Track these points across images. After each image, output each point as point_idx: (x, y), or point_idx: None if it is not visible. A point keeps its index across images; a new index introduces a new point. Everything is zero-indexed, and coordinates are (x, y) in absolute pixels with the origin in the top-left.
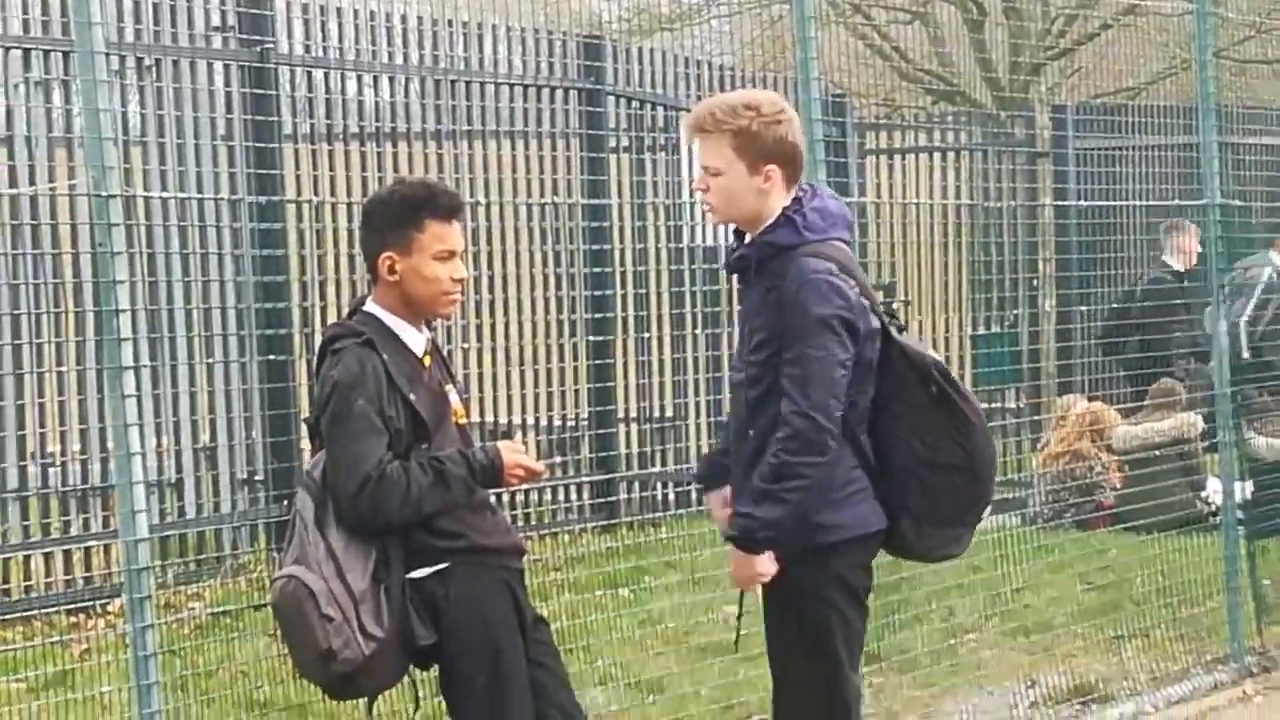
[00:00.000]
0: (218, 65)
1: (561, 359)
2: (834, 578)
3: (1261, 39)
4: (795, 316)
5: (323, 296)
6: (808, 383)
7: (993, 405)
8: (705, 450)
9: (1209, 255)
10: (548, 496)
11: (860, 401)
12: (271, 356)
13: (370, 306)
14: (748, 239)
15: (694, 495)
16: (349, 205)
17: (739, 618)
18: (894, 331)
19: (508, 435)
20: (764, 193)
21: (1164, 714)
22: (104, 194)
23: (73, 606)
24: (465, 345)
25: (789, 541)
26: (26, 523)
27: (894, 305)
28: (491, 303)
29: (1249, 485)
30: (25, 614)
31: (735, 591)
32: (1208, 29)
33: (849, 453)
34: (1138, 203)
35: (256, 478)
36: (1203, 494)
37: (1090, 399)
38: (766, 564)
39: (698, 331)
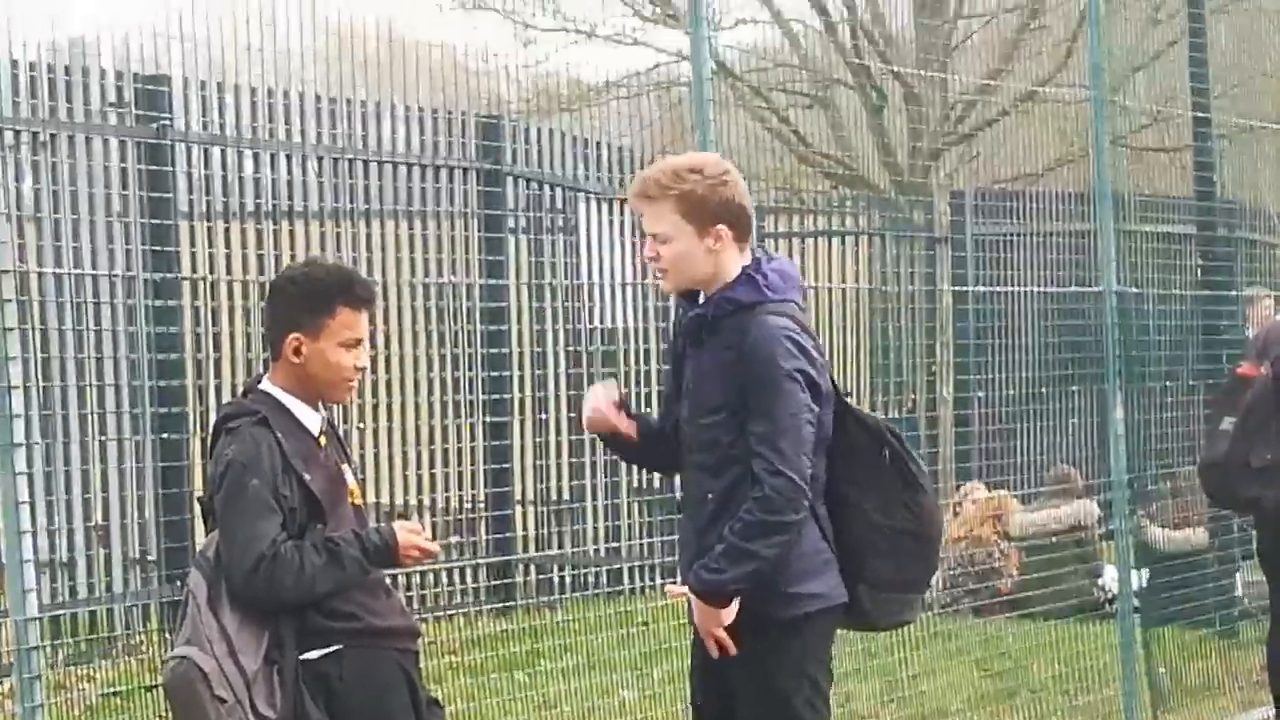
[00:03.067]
0: (113, 141)
1: (459, 439)
2: (809, 651)
3: (1159, 127)
4: (761, 372)
5: (217, 374)
6: (779, 439)
7: None
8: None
9: (1106, 342)
10: (444, 579)
11: (818, 473)
12: (165, 435)
13: (266, 385)
14: (701, 299)
15: (591, 579)
16: (244, 283)
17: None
18: (842, 396)
19: (404, 516)
20: (715, 254)
21: None
22: None
23: None
24: (361, 425)
25: (760, 615)
26: None
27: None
28: (388, 382)
29: (1145, 573)
30: None
31: (630, 675)
32: (1104, 116)
33: (812, 523)
34: (1036, 288)
35: (149, 557)
36: (1099, 581)
37: (989, 486)
38: (730, 614)
39: None
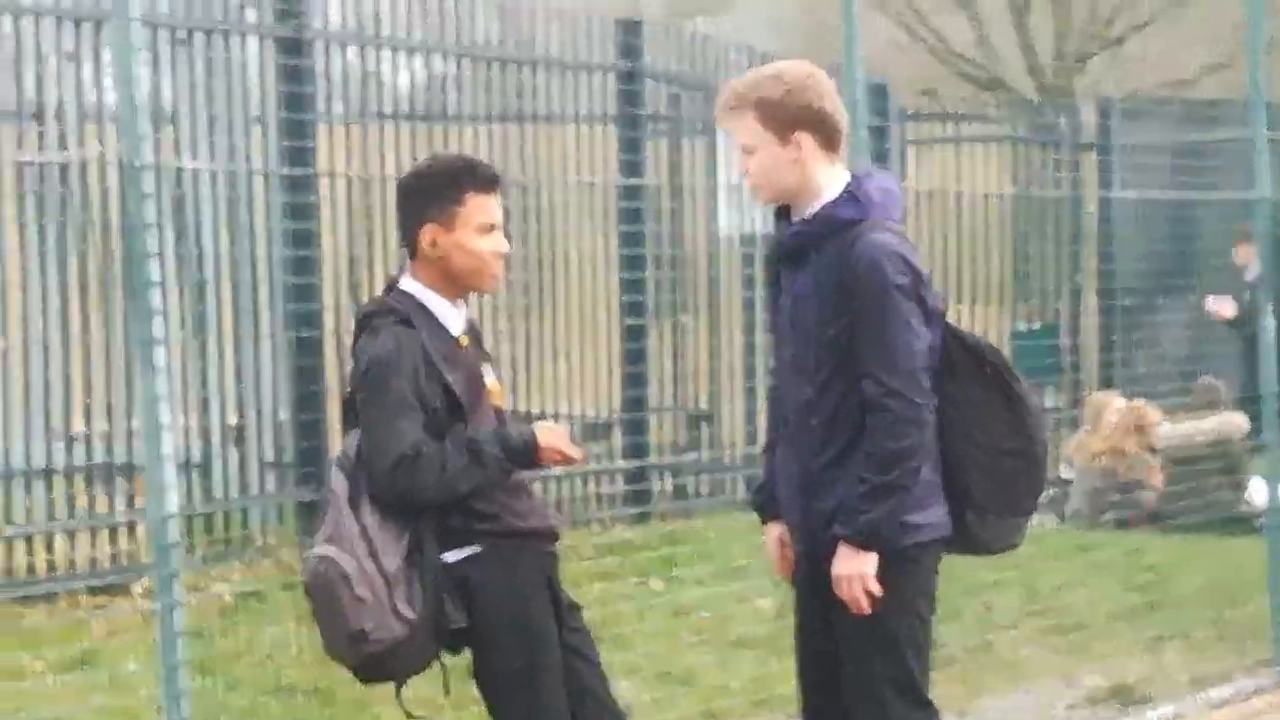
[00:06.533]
0: (251, 39)
1: (595, 343)
2: (920, 583)
3: None
4: (869, 288)
5: (353, 273)
6: (893, 358)
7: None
8: (755, 462)
9: (1261, 251)
10: (579, 484)
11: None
12: (301, 333)
13: (406, 284)
14: (797, 217)
15: (727, 486)
16: (382, 180)
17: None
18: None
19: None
20: (799, 163)
21: (1204, 717)
22: (136, 164)
23: (97, 584)
24: (499, 328)
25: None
26: (51, 496)
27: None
28: (525, 285)
29: None
30: (49, 592)
31: (771, 583)
32: (1260, 18)
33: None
34: (1184, 195)
35: (283, 458)
36: (1246, 495)
37: (1126, 396)
38: (874, 563)
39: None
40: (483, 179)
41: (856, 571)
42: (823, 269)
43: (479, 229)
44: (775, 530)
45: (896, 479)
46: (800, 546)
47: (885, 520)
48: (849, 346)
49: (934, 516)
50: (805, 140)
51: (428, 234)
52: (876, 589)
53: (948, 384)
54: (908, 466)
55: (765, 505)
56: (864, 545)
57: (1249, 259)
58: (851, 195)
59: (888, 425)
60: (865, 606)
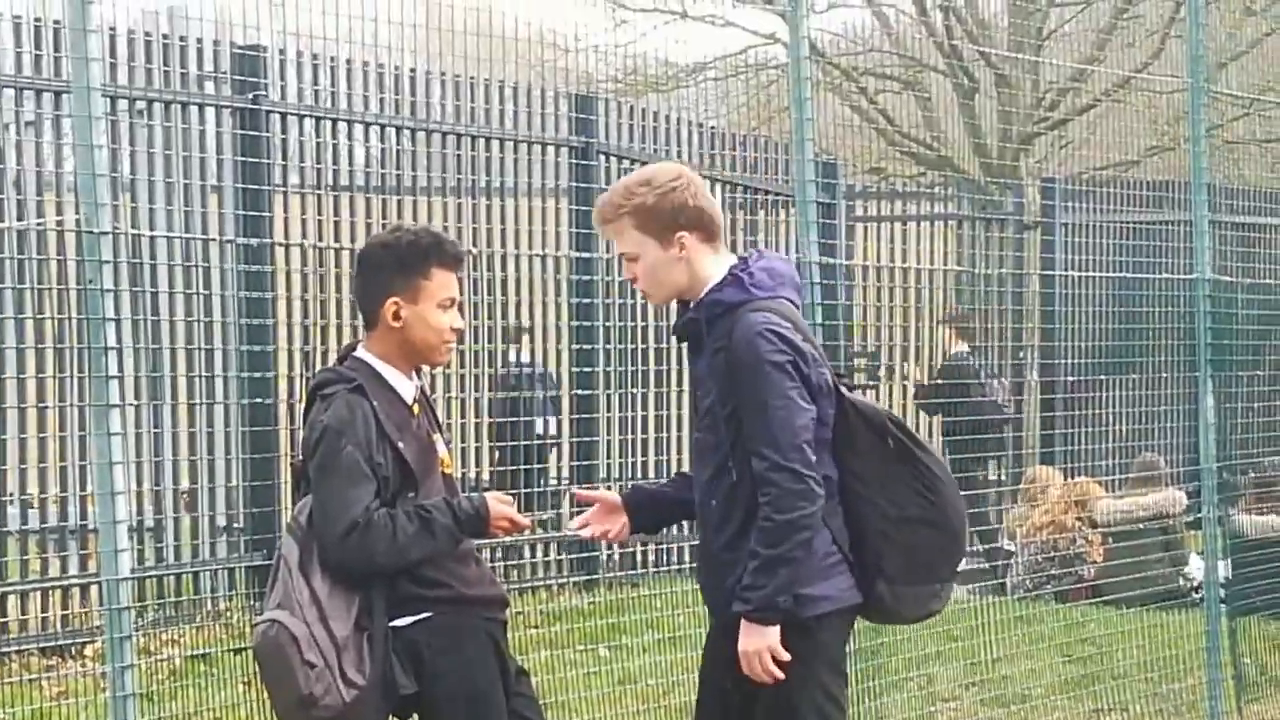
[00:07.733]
0: (210, 110)
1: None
2: (821, 654)
3: (1249, 118)
4: (746, 368)
5: (307, 341)
6: (775, 433)
7: (969, 474)
8: None
9: (1198, 330)
10: (527, 551)
11: (828, 472)
12: (255, 399)
13: (361, 353)
14: (694, 303)
15: (674, 555)
16: (337, 250)
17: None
18: (844, 389)
19: (489, 489)
20: (684, 261)
21: None
22: (95, 230)
23: (48, 647)
24: (449, 395)
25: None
26: (4, 559)
27: (878, 370)
28: (476, 354)
29: (1229, 562)
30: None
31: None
32: (1201, 105)
33: (821, 525)
34: (1127, 275)
35: (235, 524)
36: (1184, 570)
37: (1061, 470)
38: (776, 633)
39: (683, 389)
40: (449, 255)
41: (759, 647)
42: (713, 353)
43: (441, 304)
44: (608, 495)
45: (786, 551)
46: (715, 621)
47: (780, 592)
48: (740, 428)
49: (834, 588)
50: (687, 239)
51: (392, 305)
52: (785, 656)
53: (850, 457)
54: (797, 539)
55: (633, 489)
56: (763, 620)
57: (949, 341)
58: (735, 278)
59: (775, 499)
60: (774, 676)
